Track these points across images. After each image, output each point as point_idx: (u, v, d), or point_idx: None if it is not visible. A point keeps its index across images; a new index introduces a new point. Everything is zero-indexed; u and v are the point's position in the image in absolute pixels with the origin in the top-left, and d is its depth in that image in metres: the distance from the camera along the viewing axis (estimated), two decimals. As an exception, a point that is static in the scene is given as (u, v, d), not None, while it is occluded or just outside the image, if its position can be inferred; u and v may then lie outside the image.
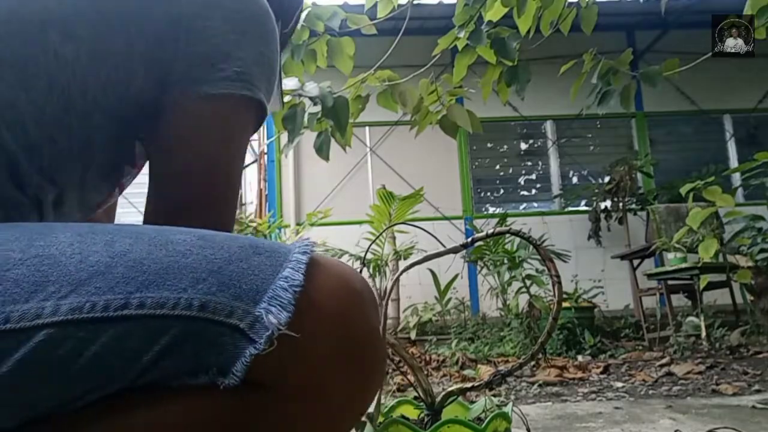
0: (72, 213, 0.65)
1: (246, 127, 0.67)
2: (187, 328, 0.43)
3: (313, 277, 0.48)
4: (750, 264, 3.92)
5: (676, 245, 4.12)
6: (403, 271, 0.95)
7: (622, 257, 5.29)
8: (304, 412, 0.48)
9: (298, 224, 5.82)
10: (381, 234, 4.54)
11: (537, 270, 4.59)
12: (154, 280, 0.44)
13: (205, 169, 0.62)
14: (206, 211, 0.62)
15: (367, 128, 6.63)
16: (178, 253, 0.46)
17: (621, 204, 6.26)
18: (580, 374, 3.24)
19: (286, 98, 2.00)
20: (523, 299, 4.47)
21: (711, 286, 4.09)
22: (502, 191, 7.19)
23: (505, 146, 7.23)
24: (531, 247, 4.51)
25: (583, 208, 6.89)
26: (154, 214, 0.62)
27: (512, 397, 2.71)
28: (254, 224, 5.07)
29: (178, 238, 0.48)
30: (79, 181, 0.63)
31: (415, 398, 1.01)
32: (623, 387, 2.85)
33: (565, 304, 4.38)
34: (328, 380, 0.48)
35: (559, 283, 0.82)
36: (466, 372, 3.41)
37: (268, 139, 6.70)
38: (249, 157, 7.76)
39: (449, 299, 5.58)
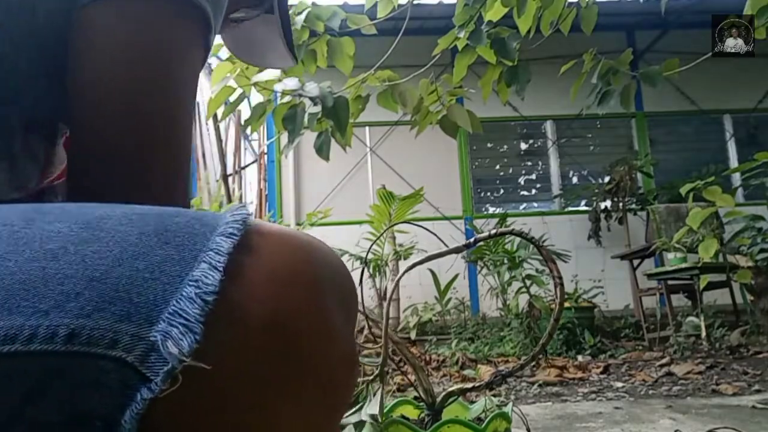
0: (7, 195, 0.49)
1: (185, 40, 0.49)
2: (53, 367, 0.30)
3: (241, 271, 0.34)
4: (750, 264, 3.92)
5: (676, 245, 4.12)
6: (405, 272, 0.95)
7: (622, 257, 5.30)
8: None
9: (298, 224, 5.83)
10: (381, 234, 4.54)
11: (537, 270, 4.59)
12: (4, 301, 0.31)
13: (122, 110, 0.46)
14: (130, 177, 0.46)
15: (367, 128, 6.63)
16: (47, 254, 0.32)
17: (621, 204, 6.27)
18: (580, 374, 3.24)
19: (286, 98, 2.00)
20: (523, 299, 4.47)
21: (711, 286, 4.09)
22: (502, 191, 7.19)
23: (505, 146, 7.24)
24: (531, 246, 4.51)
25: (583, 208, 6.90)
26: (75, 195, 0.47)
27: (512, 397, 2.71)
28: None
29: (53, 229, 0.34)
30: (5, 151, 0.48)
31: (416, 398, 1.01)
32: (623, 387, 2.85)
33: (565, 304, 4.38)
34: (262, 422, 0.34)
35: (562, 284, 0.82)
36: (466, 372, 3.41)
37: (268, 139, 6.70)
38: (249, 157, 7.76)
39: (449, 299, 5.58)
